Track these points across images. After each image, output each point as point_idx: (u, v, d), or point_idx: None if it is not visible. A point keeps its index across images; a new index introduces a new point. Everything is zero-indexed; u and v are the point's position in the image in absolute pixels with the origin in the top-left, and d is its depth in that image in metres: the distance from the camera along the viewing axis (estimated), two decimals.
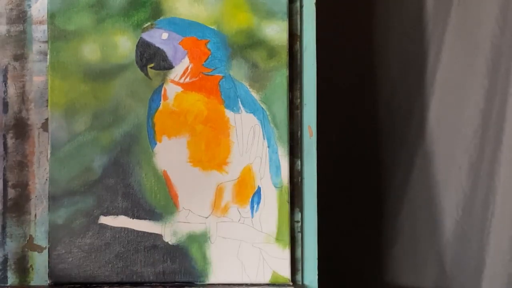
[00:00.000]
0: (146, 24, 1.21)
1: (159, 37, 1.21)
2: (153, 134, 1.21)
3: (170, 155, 1.21)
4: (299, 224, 1.23)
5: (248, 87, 1.22)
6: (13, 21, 1.22)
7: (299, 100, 1.24)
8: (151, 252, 1.20)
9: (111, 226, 1.20)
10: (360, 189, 1.64)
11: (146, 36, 1.21)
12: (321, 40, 1.25)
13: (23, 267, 1.21)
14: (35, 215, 1.22)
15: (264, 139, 1.22)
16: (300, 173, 1.23)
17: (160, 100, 1.21)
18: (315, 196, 1.23)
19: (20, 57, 1.22)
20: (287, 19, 1.22)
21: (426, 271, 1.54)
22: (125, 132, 1.21)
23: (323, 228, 1.26)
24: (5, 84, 1.22)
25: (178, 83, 1.21)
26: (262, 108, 1.22)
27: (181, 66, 1.22)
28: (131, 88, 1.21)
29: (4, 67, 1.22)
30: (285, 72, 1.22)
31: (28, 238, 1.21)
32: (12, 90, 1.22)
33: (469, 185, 1.46)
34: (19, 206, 1.22)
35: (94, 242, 1.20)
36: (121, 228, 1.20)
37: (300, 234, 1.23)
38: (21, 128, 1.22)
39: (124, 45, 1.21)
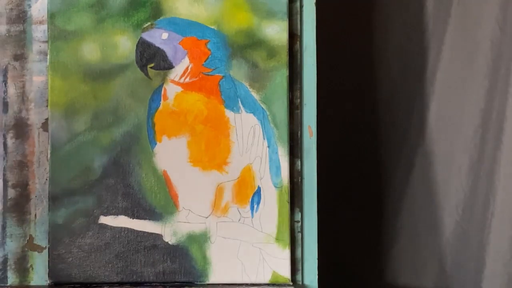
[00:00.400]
0: (146, 24, 1.21)
1: (159, 37, 1.21)
2: (153, 134, 1.21)
3: (170, 155, 1.21)
4: (299, 224, 1.23)
5: (248, 87, 1.22)
6: (13, 21, 1.22)
7: (299, 100, 1.24)
8: (151, 252, 1.20)
9: (111, 226, 1.20)
10: (360, 189, 1.64)
11: (146, 36, 1.21)
12: (321, 40, 1.25)
13: (23, 267, 1.21)
14: (35, 215, 1.22)
15: (264, 139, 1.22)
16: (300, 173, 1.23)
17: (160, 100, 1.21)
18: (315, 196, 1.23)
19: (20, 57, 1.22)
20: (287, 19, 1.22)
21: (426, 271, 1.54)
22: (125, 132, 1.21)
23: (323, 228, 1.26)
24: (5, 84, 1.22)
25: (178, 83, 1.21)
26: (262, 108, 1.22)
27: (181, 66, 1.22)
28: (131, 88, 1.21)
29: (4, 67, 1.22)
30: (285, 72, 1.22)
31: (28, 238, 1.21)
32: (12, 90, 1.22)
33: (469, 185, 1.46)
34: (19, 206, 1.22)
35: (94, 242, 1.20)
36: (121, 228, 1.20)
37: (300, 234, 1.23)
38: (21, 128, 1.22)
39: (124, 45, 1.21)
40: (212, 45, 1.22)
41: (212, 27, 1.22)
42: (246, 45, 1.22)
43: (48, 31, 1.21)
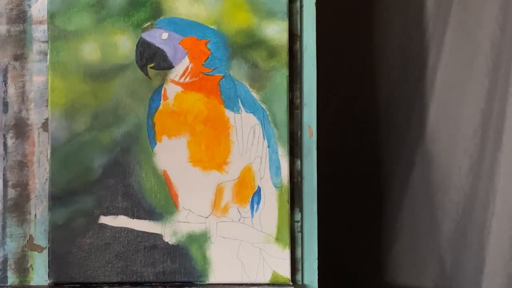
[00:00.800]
0: (146, 24, 1.21)
1: (159, 37, 1.21)
2: (153, 134, 1.21)
3: (170, 155, 1.21)
4: (299, 224, 1.23)
5: (248, 87, 1.22)
6: (13, 21, 1.22)
7: (299, 100, 1.24)
8: (151, 252, 1.20)
9: (111, 226, 1.20)
10: (360, 189, 1.64)
11: (146, 36, 1.21)
12: (321, 40, 1.25)
13: (23, 267, 1.21)
14: (35, 215, 1.22)
15: (264, 139, 1.22)
16: (300, 173, 1.23)
17: (160, 100, 1.21)
18: (315, 196, 1.23)
19: (20, 57, 1.22)
20: (287, 19, 1.22)
21: (426, 271, 1.54)
22: (125, 132, 1.21)
23: (323, 228, 1.26)
24: (5, 84, 1.22)
25: (178, 83, 1.21)
26: (262, 108, 1.22)
27: (181, 66, 1.22)
28: (131, 88, 1.21)
29: (4, 67, 1.22)
30: (285, 72, 1.22)
31: (28, 238, 1.21)
32: (12, 90, 1.22)
33: (469, 185, 1.46)
34: (19, 206, 1.22)
35: (94, 242, 1.20)
36: (121, 228, 1.20)
37: (300, 234, 1.23)
38: (21, 128, 1.22)
39: (124, 45, 1.21)
40: (212, 45, 1.22)
41: (212, 27, 1.22)
42: (246, 45, 1.22)
43: (48, 31, 1.21)
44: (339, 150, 1.62)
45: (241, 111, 1.22)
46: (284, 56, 1.22)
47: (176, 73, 1.21)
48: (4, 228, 1.21)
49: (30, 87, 1.22)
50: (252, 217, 1.21)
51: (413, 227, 1.56)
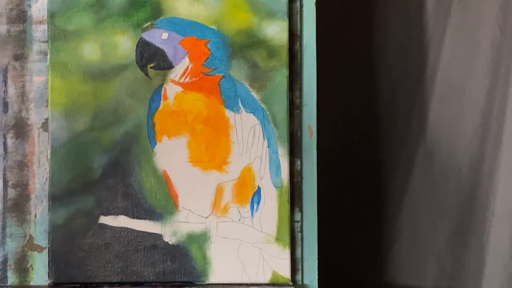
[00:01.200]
0: (146, 24, 1.21)
1: (159, 37, 1.21)
2: (153, 134, 1.21)
3: (170, 155, 1.21)
4: (299, 224, 1.23)
5: (248, 87, 1.22)
6: (13, 21, 1.22)
7: (299, 100, 1.24)
8: (151, 252, 1.20)
9: (111, 226, 1.20)
10: (360, 189, 1.64)
11: (146, 36, 1.21)
12: (321, 40, 1.25)
13: (23, 267, 1.21)
14: (35, 215, 1.22)
15: (264, 139, 1.22)
16: (300, 173, 1.23)
17: (160, 100, 1.21)
18: (315, 196, 1.23)
19: (20, 57, 1.22)
20: (287, 19, 1.22)
21: (426, 271, 1.54)
22: (125, 132, 1.21)
23: (323, 228, 1.26)
24: (5, 84, 1.22)
25: (178, 83, 1.21)
26: (262, 108, 1.22)
27: (181, 66, 1.22)
28: (131, 88, 1.21)
29: (4, 67, 1.22)
30: (285, 72, 1.22)
31: (28, 238, 1.21)
32: (12, 90, 1.22)
33: (469, 185, 1.46)
34: (19, 206, 1.22)
35: (94, 242, 1.20)
36: (121, 228, 1.20)
37: (300, 234, 1.23)
38: (21, 128, 1.22)
39: (124, 45, 1.21)
40: (212, 45, 1.22)
41: (212, 27, 1.22)
42: (246, 45, 1.22)
43: (48, 31, 1.21)
44: (339, 150, 1.62)
45: (241, 111, 1.22)
46: (284, 56, 1.22)
47: (176, 73, 1.21)
48: (4, 228, 1.21)
49: (30, 87, 1.22)
50: (252, 217, 1.21)
51: (413, 227, 1.56)
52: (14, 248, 1.21)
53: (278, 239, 1.21)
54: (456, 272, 1.48)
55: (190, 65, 1.22)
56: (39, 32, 1.22)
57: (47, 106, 1.21)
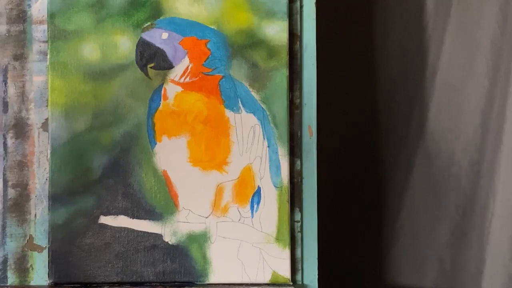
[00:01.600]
0: (146, 24, 1.21)
1: (159, 37, 1.21)
2: (153, 134, 1.21)
3: (170, 155, 1.21)
4: (299, 224, 1.23)
5: (248, 87, 1.22)
6: (13, 21, 1.22)
7: (299, 100, 1.24)
8: (151, 252, 1.20)
9: (111, 226, 1.20)
10: (360, 189, 1.64)
11: (146, 36, 1.21)
12: (321, 40, 1.25)
13: (23, 267, 1.21)
14: (35, 215, 1.22)
15: (264, 139, 1.22)
16: (300, 173, 1.23)
17: (160, 100, 1.21)
18: (315, 196, 1.23)
19: (20, 57, 1.22)
20: (287, 19, 1.22)
21: (426, 271, 1.54)
22: (125, 132, 1.21)
23: (323, 228, 1.26)
24: (5, 84, 1.22)
25: (178, 83, 1.21)
26: (262, 108, 1.22)
27: (181, 66, 1.22)
28: (131, 88, 1.21)
29: (4, 67, 1.22)
30: (285, 72, 1.22)
31: (28, 238, 1.21)
32: (12, 90, 1.22)
33: (469, 185, 1.46)
34: (19, 206, 1.22)
35: (94, 242, 1.20)
36: (121, 228, 1.20)
37: (300, 234, 1.23)
38: (21, 128, 1.22)
39: (124, 45, 1.21)
40: (212, 45, 1.22)
41: (212, 27, 1.22)
42: (246, 45, 1.22)
43: (48, 31, 1.21)
44: (339, 150, 1.62)
45: (241, 111, 1.22)
46: (284, 56, 1.22)
47: (176, 73, 1.21)
48: (4, 228, 1.21)
49: (30, 87, 1.22)
50: (252, 217, 1.21)
51: (413, 227, 1.56)
52: (14, 248, 1.21)
53: (278, 239, 1.21)
54: (456, 272, 1.48)
55: (190, 65, 1.22)
56: (39, 32, 1.22)
57: (47, 106, 1.21)
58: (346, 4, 1.64)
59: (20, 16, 1.22)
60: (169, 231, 1.20)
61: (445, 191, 1.50)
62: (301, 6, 1.24)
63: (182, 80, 1.22)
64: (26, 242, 1.21)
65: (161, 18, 1.22)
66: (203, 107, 1.21)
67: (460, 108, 1.47)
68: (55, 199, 1.19)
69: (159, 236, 1.20)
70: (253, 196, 1.21)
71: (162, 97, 1.21)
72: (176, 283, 1.20)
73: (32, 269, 1.21)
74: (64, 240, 1.19)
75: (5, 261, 1.21)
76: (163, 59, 1.21)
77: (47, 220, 1.20)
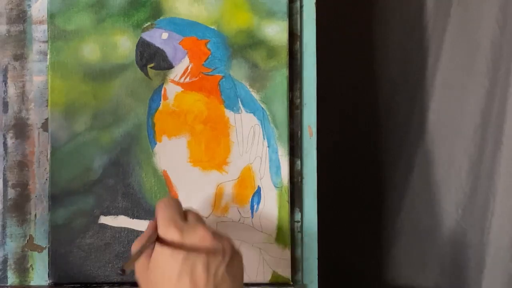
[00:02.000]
0: (146, 24, 1.21)
1: (159, 37, 1.21)
2: (153, 134, 1.21)
3: (170, 155, 1.21)
4: (299, 224, 1.23)
5: (248, 87, 1.22)
6: (13, 21, 1.22)
7: (299, 100, 1.24)
8: None
9: (111, 226, 1.20)
10: (360, 189, 1.64)
11: (146, 36, 1.21)
12: (321, 40, 1.25)
13: (23, 267, 1.21)
14: (35, 215, 1.22)
15: (264, 139, 1.22)
16: (300, 173, 1.23)
17: (160, 100, 1.21)
18: (315, 196, 1.23)
19: (20, 57, 1.22)
20: (287, 19, 1.22)
21: (426, 271, 1.54)
22: (125, 132, 1.21)
23: (323, 228, 1.26)
24: (5, 84, 1.22)
25: (178, 83, 1.21)
26: (262, 108, 1.22)
27: (181, 66, 1.22)
28: (131, 88, 1.21)
29: (4, 67, 1.22)
30: (285, 72, 1.22)
31: (28, 238, 1.21)
32: (12, 90, 1.22)
33: (469, 185, 1.46)
34: (19, 206, 1.22)
35: (94, 242, 1.20)
36: (121, 228, 1.20)
37: (300, 234, 1.23)
38: (21, 128, 1.22)
39: (124, 45, 1.21)
40: (212, 45, 1.22)
41: (212, 27, 1.22)
42: (246, 45, 1.22)
43: (48, 31, 1.21)
44: (339, 150, 1.62)
45: (241, 111, 1.22)
46: (284, 56, 1.22)
47: (176, 73, 1.21)
48: (4, 228, 1.21)
49: (30, 87, 1.22)
50: (252, 217, 1.21)
51: (413, 227, 1.56)
52: (14, 248, 1.21)
53: (278, 239, 1.21)
54: (456, 272, 1.48)
55: (190, 65, 1.22)
56: (39, 32, 1.22)
57: (47, 106, 1.21)
58: (346, 4, 1.64)
59: (20, 16, 1.22)
60: None
61: (445, 191, 1.50)
62: (301, 6, 1.24)
63: (182, 80, 1.22)
64: (26, 242, 1.21)
65: (161, 18, 1.22)
66: (203, 107, 1.21)
67: (460, 108, 1.47)
68: (55, 199, 1.19)
69: None
70: (253, 196, 1.21)
71: (162, 97, 1.21)
72: None
73: (32, 269, 1.21)
74: (64, 240, 1.19)
75: (5, 261, 1.21)
76: (163, 59, 1.21)
77: (47, 220, 1.20)
